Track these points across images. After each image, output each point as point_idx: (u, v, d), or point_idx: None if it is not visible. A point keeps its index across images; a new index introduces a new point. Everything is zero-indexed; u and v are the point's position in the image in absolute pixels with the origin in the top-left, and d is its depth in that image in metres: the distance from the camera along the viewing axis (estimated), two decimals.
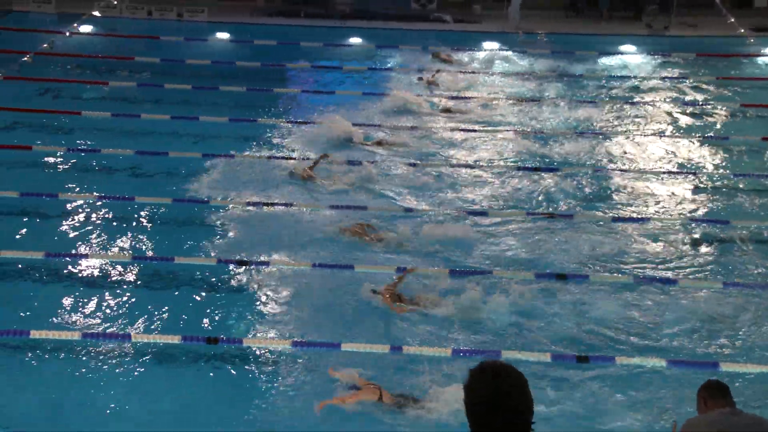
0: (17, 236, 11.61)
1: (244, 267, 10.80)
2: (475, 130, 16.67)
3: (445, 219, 12.58)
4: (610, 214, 13.00)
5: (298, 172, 13.83)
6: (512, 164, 15.03)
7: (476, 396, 3.44)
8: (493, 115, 17.84)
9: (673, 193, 13.96)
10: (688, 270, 11.30)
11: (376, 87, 19.60)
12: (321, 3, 27.60)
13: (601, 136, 16.71)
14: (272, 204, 12.63)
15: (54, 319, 9.64)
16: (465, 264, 11.22)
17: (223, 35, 24.41)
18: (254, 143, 15.56)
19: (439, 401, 8.13)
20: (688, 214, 13.10)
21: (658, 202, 13.57)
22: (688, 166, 15.26)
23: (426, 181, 14.03)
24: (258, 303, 10.16)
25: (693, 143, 16.53)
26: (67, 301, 10.08)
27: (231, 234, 11.86)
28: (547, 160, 15.31)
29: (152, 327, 9.43)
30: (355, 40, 24.43)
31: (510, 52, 23.61)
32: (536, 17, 26.75)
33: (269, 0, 28.13)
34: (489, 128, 16.90)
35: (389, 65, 21.82)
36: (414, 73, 20.57)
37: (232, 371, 8.83)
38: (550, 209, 13.11)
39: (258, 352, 9.10)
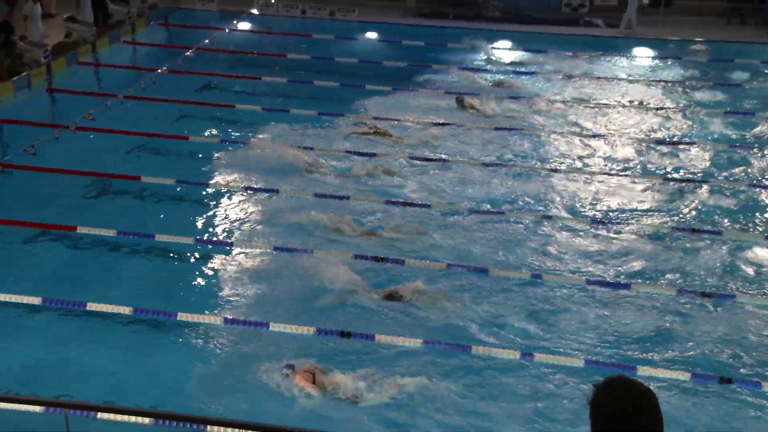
0: (170, 221, 12.25)
1: (379, 263, 10.93)
2: (619, 138, 16.23)
3: (581, 229, 12.33)
4: (761, 232, 12.34)
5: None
6: (658, 175, 14.53)
7: (604, 410, 3.36)
8: (641, 124, 17.30)
9: None
10: None
11: (521, 91, 19.40)
12: (470, 5, 27.57)
13: (756, 149, 15.87)
14: (411, 204, 12.75)
15: (196, 302, 10.12)
16: (601, 276, 10.95)
17: (372, 35, 24.83)
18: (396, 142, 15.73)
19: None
20: None
21: None
22: None
23: (568, 188, 13.81)
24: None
25: None
26: (211, 287, 10.57)
27: (368, 231, 12.03)
28: (697, 171, 14.70)
29: (288, 319, 9.68)
30: (504, 44, 24.26)
31: (660, 59, 22.86)
32: (695, 24, 25.76)
33: (421, 1, 28.39)
34: (636, 137, 16.41)
35: (536, 69, 21.51)
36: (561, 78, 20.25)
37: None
38: (696, 223, 12.60)
39: (388, 348, 9.19)
